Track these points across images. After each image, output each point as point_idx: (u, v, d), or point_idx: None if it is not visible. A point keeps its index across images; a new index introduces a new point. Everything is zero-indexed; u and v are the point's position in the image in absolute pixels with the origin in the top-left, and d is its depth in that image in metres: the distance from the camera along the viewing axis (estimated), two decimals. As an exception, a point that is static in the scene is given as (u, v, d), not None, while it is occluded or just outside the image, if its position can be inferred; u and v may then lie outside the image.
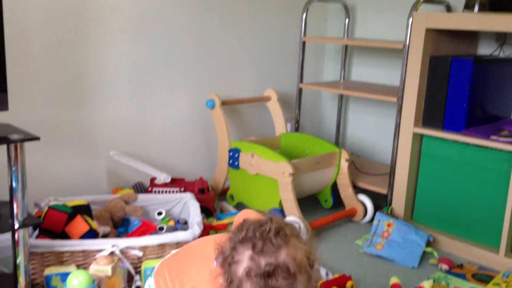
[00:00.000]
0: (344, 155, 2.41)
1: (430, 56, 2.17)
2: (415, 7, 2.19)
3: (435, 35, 2.17)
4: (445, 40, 2.22)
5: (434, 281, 1.75)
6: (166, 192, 2.21)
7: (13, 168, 1.45)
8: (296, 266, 0.92)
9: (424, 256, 2.05)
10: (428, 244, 2.11)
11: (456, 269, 1.93)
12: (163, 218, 2.01)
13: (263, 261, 0.91)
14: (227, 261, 0.95)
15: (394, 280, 1.66)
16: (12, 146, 1.43)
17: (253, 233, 0.94)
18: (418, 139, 2.23)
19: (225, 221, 2.05)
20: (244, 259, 0.93)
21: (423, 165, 2.24)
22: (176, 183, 2.26)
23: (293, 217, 2.12)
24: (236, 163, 2.37)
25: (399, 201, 2.29)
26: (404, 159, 2.25)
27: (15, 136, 1.43)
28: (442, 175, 2.16)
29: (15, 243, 1.49)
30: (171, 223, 1.99)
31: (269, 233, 0.94)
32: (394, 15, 2.71)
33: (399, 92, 2.27)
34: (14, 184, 1.46)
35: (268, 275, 0.90)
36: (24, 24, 1.90)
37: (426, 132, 2.18)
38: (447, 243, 2.14)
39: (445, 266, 1.93)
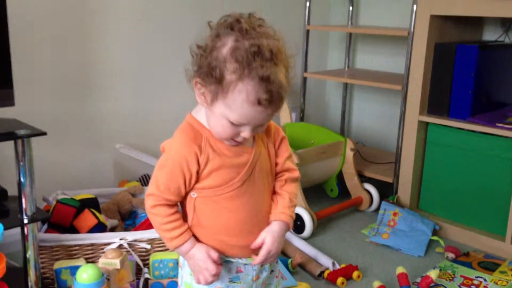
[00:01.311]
0: (349, 144, 2.41)
1: (435, 43, 2.15)
2: (419, -7, 2.17)
3: (440, 21, 2.15)
4: (450, 26, 2.20)
5: (440, 270, 1.76)
6: (172, 184, 2.21)
7: (21, 163, 1.46)
8: (278, 52, 0.91)
9: (431, 244, 2.06)
10: (434, 232, 2.12)
11: (462, 257, 1.94)
12: (170, 210, 2.02)
13: (247, 43, 0.89)
14: (208, 48, 0.93)
15: (400, 269, 1.67)
16: (19, 142, 1.44)
17: (237, 20, 0.92)
18: (424, 127, 2.23)
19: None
20: (228, 42, 0.91)
21: (429, 153, 2.24)
22: (182, 174, 2.27)
23: (299, 207, 2.13)
24: (242, 153, 2.37)
25: (405, 190, 2.29)
26: (410, 147, 2.25)
27: (22, 132, 1.44)
28: (448, 163, 2.16)
29: (24, 238, 1.51)
30: (178, 214, 2.00)
31: (253, 21, 0.93)
32: (398, 1, 2.68)
33: (404, 80, 2.26)
34: (22, 179, 1.47)
35: (252, 54, 0.88)
36: (27, 17, 1.89)
37: (432, 120, 2.17)
38: (453, 232, 2.14)
39: (451, 255, 1.94)
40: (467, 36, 2.33)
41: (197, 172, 0.99)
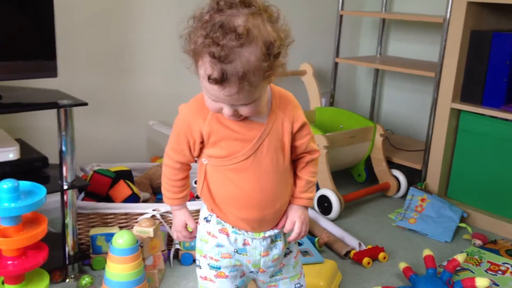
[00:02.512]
0: (379, 130, 2.41)
1: (471, 30, 2.14)
2: (457, -20, 2.15)
3: (477, 8, 2.13)
4: (486, 14, 2.18)
5: (467, 255, 1.76)
6: (202, 161, 2.26)
7: (63, 133, 1.52)
8: (247, 35, 0.85)
9: (458, 231, 2.06)
10: (462, 220, 2.12)
11: (489, 244, 1.94)
12: (200, 186, 2.07)
13: (217, 18, 0.88)
14: (195, 19, 0.93)
15: (427, 252, 1.68)
16: (62, 111, 1.50)
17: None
18: (456, 114, 2.22)
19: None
20: (206, 15, 0.90)
21: (460, 141, 2.23)
22: (213, 153, 2.31)
23: (326, 189, 2.15)
24: (271, 135, 2.40)
25: (433, 177, 2.29)
26: (440, 134, 2.24)
27: (64, 102, 1.50)
28: (478, 151, 2.15)
29: (64, 204, 1.57)
30: (208, 191, 2.04)
31: (237, 1, 0.89)
32: (434, -12, 2.66)
33: (437, 67, 2.25)
34: (63, 148, 1.53)
35: (214, 28, 0.86)
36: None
37: (464, 107, 2.16)
38: (481, 220, 2.14)
39: (478, 242, 1.94)
40: (504, 24, 2.29)
41: (201, 142, 1.03)
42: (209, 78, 0.88)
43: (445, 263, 1.70)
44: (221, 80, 0.87)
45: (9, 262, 1.32)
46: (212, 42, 0.86)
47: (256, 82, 0.89)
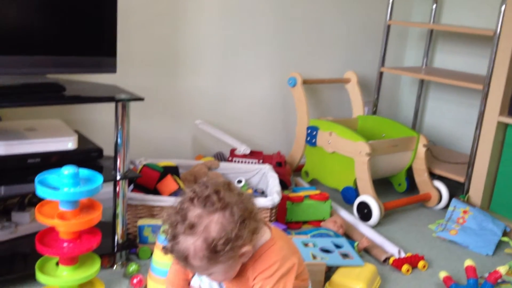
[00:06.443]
0: (422, 140, 2.41)
1: (522, 44, 2.12)
2: (509, -7, 2.14)
3: (529, 22, 2.11)
4: (539, 28, 2.15)
5: (510, 268, 1.75)
6: (245, 162, 2.31)
7: (119, 126, 1.59)
8: (198, 225, 1.04)
9: (500, 245, 2.04)
10: (505, 234, 2.09)
11: (533, 260, 1.91)
12: (242, 186, 2.12)
13: (185, 205, 1.08)
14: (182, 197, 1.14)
15: (468, 262, 1.68)
16: (119, 105, 1.57)
17: (196, 192, 1.09)
18: (502, 128, 2.20)
19: (301, 193, 2.12)
20: (180, 202, 1.11)
21: (505, 155, 2.20)
22: (255, 155, 2.36)
23: (367, 196, 2.16)
24: (314, 140, 2.43)
25: (477, 190, 2.27)
26: (486, 148, 2.22)
27: (122, 96, 1.57)
28: (525, 166, 2.12)
29: (115, 194, 1.64)
30: (249, 191, 2.10)
31: (210, 195, 1.07)
32: (485, 2, 2.64)
33: (485, 79, 2.23)
34: (119, 140, 1.60)
35: (175, 218, 1.08)
36: (132, 1, 2.05)
37: (512, 121, 2.14)
38: (524, 235, 2.10)
39: (521, 257, 1.92)
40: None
41: None
42: (162, 247, 1.12)
43: (486, 275, 1.69)
44: (175, 257, 1.09)
45: (65, 244, 1.39)
46: (170, 223, 1.08)
47: (200, 265, 1.07)
